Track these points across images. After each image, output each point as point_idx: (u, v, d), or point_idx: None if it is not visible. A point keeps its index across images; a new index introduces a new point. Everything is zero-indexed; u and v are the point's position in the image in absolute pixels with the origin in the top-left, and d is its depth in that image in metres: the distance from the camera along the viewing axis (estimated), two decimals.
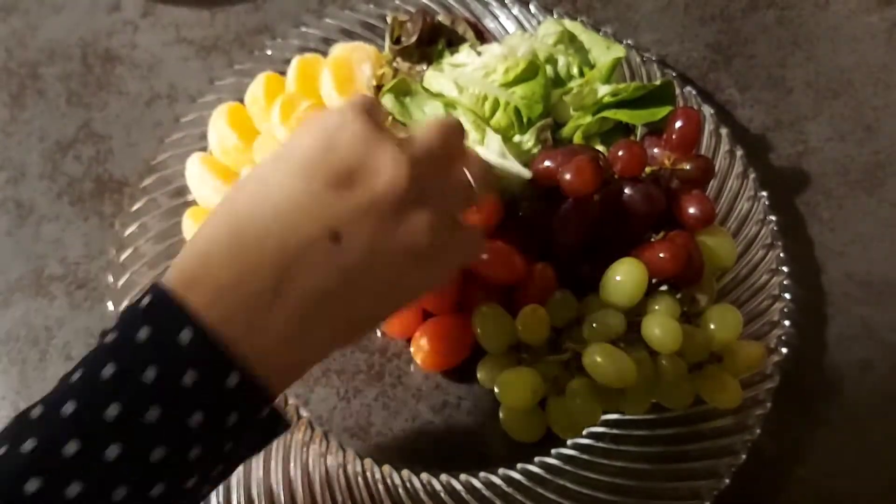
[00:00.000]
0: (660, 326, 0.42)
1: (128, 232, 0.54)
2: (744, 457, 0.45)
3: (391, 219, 0.33)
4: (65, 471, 0.27)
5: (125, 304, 0.31)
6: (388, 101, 0.55)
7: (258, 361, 0.30)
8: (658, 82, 0.53)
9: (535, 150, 0.52)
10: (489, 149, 0.52)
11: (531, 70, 0.52)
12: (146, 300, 0.30)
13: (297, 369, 0.33)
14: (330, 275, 0.32)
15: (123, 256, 0.53)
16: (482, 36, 0.59)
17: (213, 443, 0.29)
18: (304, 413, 0.49)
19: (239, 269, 0.30)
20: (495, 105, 0.52)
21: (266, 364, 0.30)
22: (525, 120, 0.52)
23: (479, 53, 0.55)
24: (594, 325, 0.43)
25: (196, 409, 0.28)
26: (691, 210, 0.47)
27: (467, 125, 0.52)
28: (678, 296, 0.46)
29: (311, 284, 0.31)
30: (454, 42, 0.57)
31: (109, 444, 0.27)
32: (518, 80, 0.52)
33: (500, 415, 0.47)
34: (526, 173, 0.50)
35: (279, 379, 0.32)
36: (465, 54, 0.55)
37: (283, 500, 0.45)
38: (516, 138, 0.52)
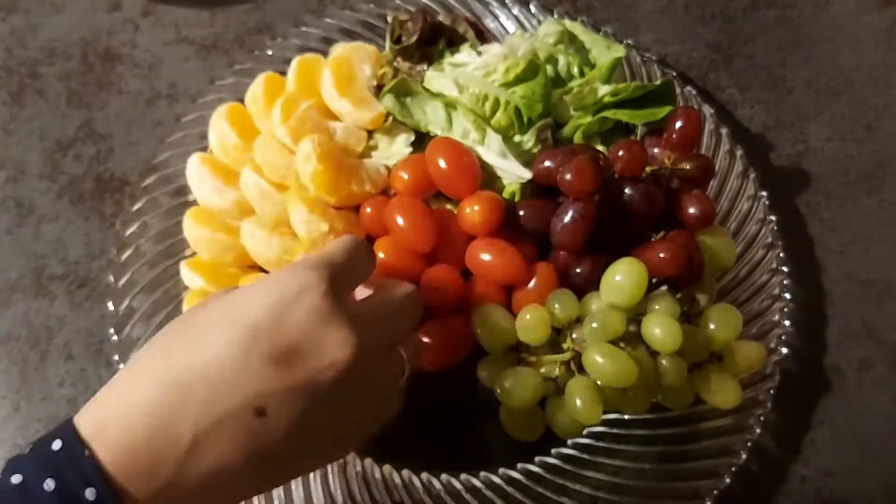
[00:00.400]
0: (660, 326, 0.42)
1: (128, 231, 0.54)
2: (744, 457, 0.45)
3: (322, 404, 0.33)
4: None
5: (39, 438, 0.31)
6: (388, 101, 0.55)
7: None
8: (658, 82, 0.53)
9: (535, 150, 0.52)
10: (489, 149, 0.52)
11: (531, 70, 0.52)
12: (56, 444, 0.29)
13: None
14: (245, 449, 0.31)
15: (124, 256, 0.53)
16: (483, 36, 0.59)
17: None
18: None
19: (156, 425, 0.30)
20: (495, 105, 0.52)
21: None
22: (525, 120, 0.52)
23: (479, 53, 0.55)
24: (594, 325, 0.43)
25: None
26: (691, 210, 0.47)
27: (468, 125, 0.52)
28: (678, 296, 0.46)
29: (225, 455, 0.31)
30: (455, 42, 0.57)
31: None
32: (518, 80, 0.52)
33: (500, 415, 0.46)
34: (526, 173, 0.50)
35: None
36: (465, 54, 0.55)
37: (283, 500, 0.45)
38: (516, 138, 0.52)
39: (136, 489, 0.29)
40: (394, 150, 0.54)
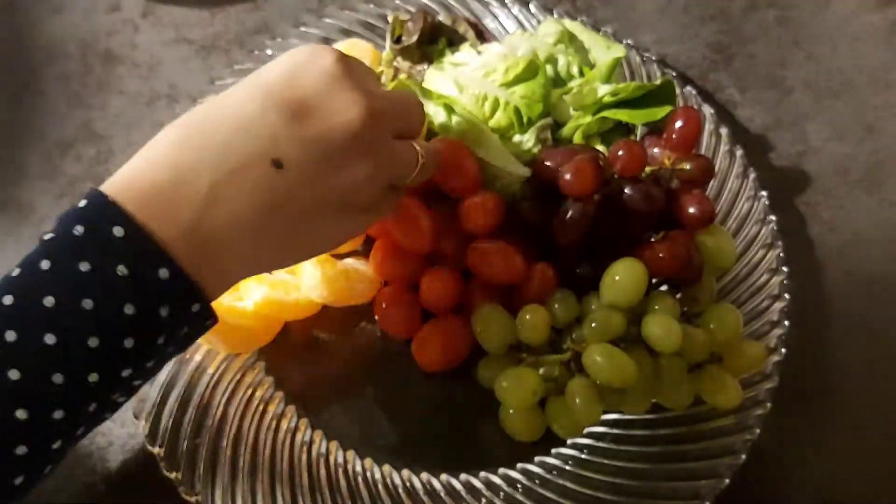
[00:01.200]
0: (660, 326, 0.42)
1: None
2: (744, 457, 0.45)
3: (335, 159, 0.35)
4: (4, 357, 0.28)
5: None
6: None
7: (188, 260, 0.31)
8: (658, 82, 0.53)
9: (535, 150, 0.52)
10: (488, 148, 0.52)
11: (531, 70, 0.52)
12: (82, 203, 0.32)
13: (227, 276, 0.35)
14: (264, 196, 0.33)
15: None
16: (483, 36, 0.59)
17: (145, 334, 0.31)
18: (304, 414, 0.49)
19: (176, 174, 0.32)
20: (495, 105, 0.52)
21: (195, 264, 0.31)
22: (525, 120, 0.52)
23: (479, 53, 0.55)
24: (594, 325, 0.43)
25: (128, 300, 0.30)
26: (691, 210, 0.47)
27: (466, 126, 0.52)
28: (678, 296, 0.46)
29: (244, 200, 0.32)
30: (455, 42, 0.57)
31: (46, 332, 0.29)
32: (518, 80, 0.52)
33: (500, 415, 0.47)
34: (525, 172, 0.50)
35: (210, 281, 0.33)
36: (465, 53, 0.55)
37: (283, 500, 0.45)
38: (516, 138, 0.52)
39: (160, 230, 0.31)
40: None
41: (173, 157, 0.32)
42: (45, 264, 0.30)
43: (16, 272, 0.31)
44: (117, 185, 0.32)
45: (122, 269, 0.30)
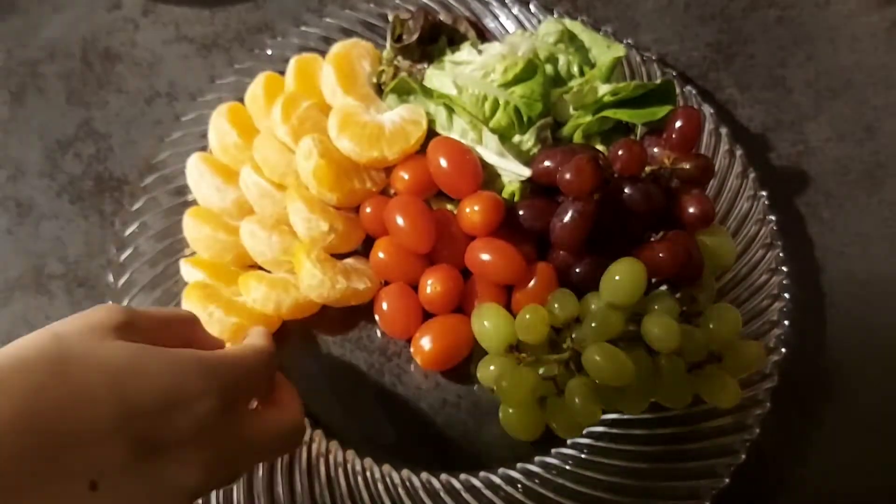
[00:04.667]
0: (659, 326, 0.42)
1: (128, 231, 0.54)
2: (743, 456, 0.45)
3: (160, 498, 0.31)
4: None
5: None
6: (391, 100, 0.55)
7: None
8: (658, 81, 0.53)
9: (535, 150, 0.52)
10: (487, 148, 0.52)
11: (530, 69, 0.52)
12: None
13: None
14: None
15: (123, 255, 0.53)
16: (483, 35, 0.59)
17: None
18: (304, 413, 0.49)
19: None
20: (495, 105, 0.52)
21: None
22: (525, 119, 0.52)
23: (479, 52, 0.55)
24: (594, 324, 0.43)
25: None
26: (691, 210, 0.47)
27: (465, 125, 0.52)
28: (678, 295, 0.46)
29: None
30: (456, 40, 0.57)
31: None
32: (517, 80, 0.52)
33: (500, 415, 0.46)
34: (525, 171, 0.50)
35: None
36: (465, 52, 0.55)
37: (283, 500, 0.45)
38: (516, 138, 0.52)
39: None
40: None
41: (7, 433, 0.27)
42: None
43: None
44: None
45: None
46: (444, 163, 0.50)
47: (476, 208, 0.48)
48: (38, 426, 0.28)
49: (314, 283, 0.49)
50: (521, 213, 0.49)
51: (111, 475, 0.30)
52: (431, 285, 0.49)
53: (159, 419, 0.31)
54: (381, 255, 0.51)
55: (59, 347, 0.31)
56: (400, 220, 0.49)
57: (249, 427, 0.36)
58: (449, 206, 0.53)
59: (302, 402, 0.41)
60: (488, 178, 0.52)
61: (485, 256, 0.48)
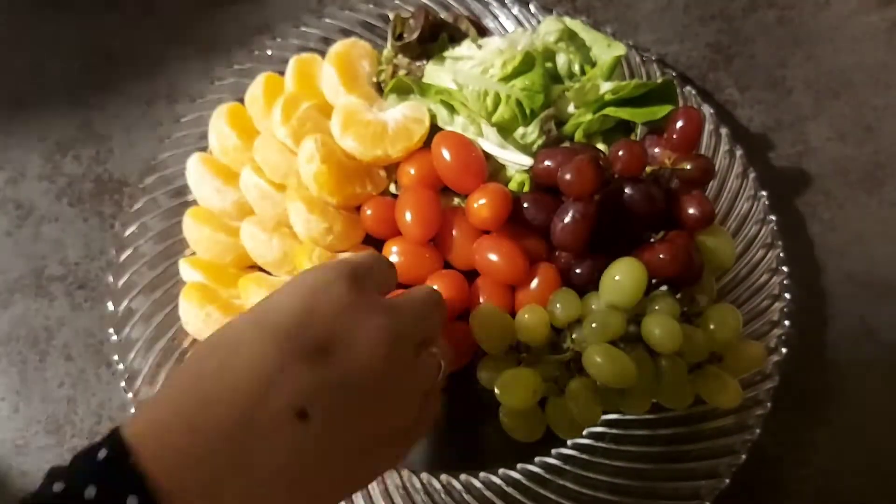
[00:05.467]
0: (660, 326, 0.42)
1: (128, 232, 0.54)
2: (744, 457, 0.45)
3: (364, 403, 0.32)
4: None
5: (81, 449, 0.30)
6: (392, 100, 0.56)
7: None
8: (659, 81, 0.53)
9: (539, 142, 0.52)
10: (488, 140, 0.52)
11: (528, 62, 0.52)
12: (102, 453, 0.28)
13: None
14: (290, 455, 0.30)
15: (123, 256, 0.53)
16: (485, 34, 0.59)
17: None
18: None
19: (198, 441, 0.29)
20: (497, 100, 0.52)
21: None
22: (528, 111, 0.51)
23: (479, 47, 0.55)
24: (594, 325, 0.43)
25: None
26: (691, 210, 0.47)
27: (465, 120, 0.52)
28: (678, 296, 0.46)
29: (270, 464, 0.30)
30: (456, 39, 0.57)
31: None
32: (516, 73, 0.51)
33: (500, 415, 0.46)
34: (527, 161, 0.50)
35: None
36: (465, 47, 0.55)
37: None
38: (519, 131, 0.52)
39: (180, 501, 0.28)
40: None
41: (191, 414, 0.30)
42: None
43: None
44: (139, 439, 0.29)
45: None
46: (448, 156, 0.50)
47: (483, 202, 0.48)
48: (210, 395, 0.30)
49: None
50: (525, 205, 0.49)
51: (308, 395, 0.30)
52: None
53: (307, 321, 0.32)
54: (391, 258, 0.50)
55: (211, 335, 0.33)
56: (407, 211, 0.49)
57: (394, 300, 0.37)
58: (456, 201, 0.53)
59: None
60: (492, 170, 0.52)
61: (489, 255, 0.48)
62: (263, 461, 0.29)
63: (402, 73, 0.56)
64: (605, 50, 0.55)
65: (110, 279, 0.52)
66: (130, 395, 0.48)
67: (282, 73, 0.58)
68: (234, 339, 0.32)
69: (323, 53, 0.59)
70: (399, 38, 0.57)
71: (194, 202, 0.55)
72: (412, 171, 0.52)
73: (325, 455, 0.31)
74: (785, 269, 0.52)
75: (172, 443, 0.29)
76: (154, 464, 0.28)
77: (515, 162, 0.52)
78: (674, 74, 0.60)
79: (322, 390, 0.31)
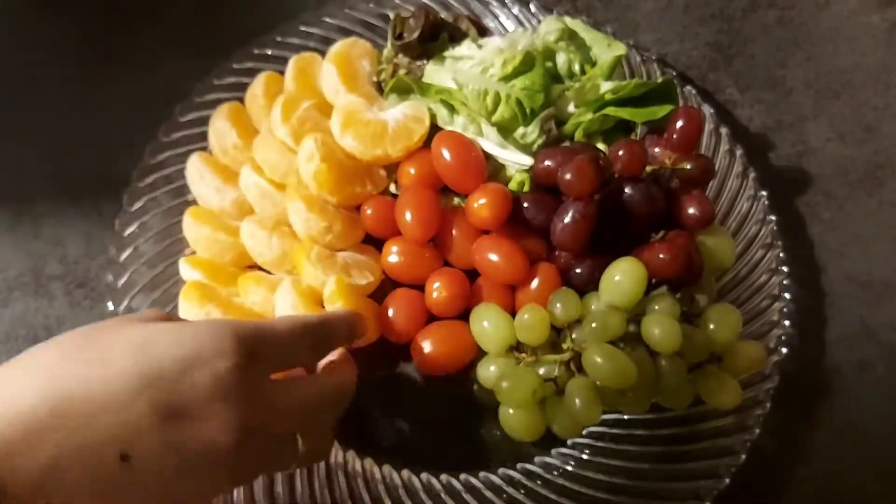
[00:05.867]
0: (660, 326, 0.42)
1: (128, 231, 0.54)
2: (744, 457, 0.45)
3: (191, 471, 0.32)
4: None
5: None
6: (393, 99, 0.56)
7: None
8: (659, 80, 0.53)
9: (539, 141, 0.52)
10: (488, 139, 0.52)
11: (528, 61, 0.52)
12: None
13: None
14: (101, 486, 0.29)
15: (123, 256, 0.53)
16: (485, 33, 0.59)
17: None
18: None
19: (26, 431, 0.28)
20: (497, 99, 0.52)
21: None
22: (528, 111, 0.51)
23: (479, 46, 0.55)
24: (594, 325, 0.43)
25: None
26: (691, 210, 0.47)
27: (465, 119, 0.52)
28: (678, 296, 0.46)
29: (82, 483, 0.29)
30: (456, 38, 0.57)
31: None
32: (516, 73, 0.51)
33: (500, 415, 0.46)
34: (527, 160, 0.50)
35: None
36: (465, 47, 0.55)
37: (284, 500, 0.45)
38: (519, 131, 0.52)
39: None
40: None
41: (30, 407, 0.29)
42: None
43: None
44: None
45: None
46: (448, 156, 0.50)
47: (483, 201, 0.48)
48: (63, 391, 0.29)
49: (315, 283, 0.49)
50: (525, 205, 0.49)
51: (140, 444, 0.30)
52: (438, 290, 0.49)
53: (180, 379, 0.31)
54: (391, 257, 0.51)
55: (90, 327, 0.33)
56: (407, 210, 0.49)
57: (279, 391, 0.36)
58: (456, 201, 0.53)
59: (353, 368, 0.42)
60: (492, 170, 0.52)
61: (488, 255, 0.48)
62: (73, 480, 0.29)
63: (402, 72, 0.56)
64: (606, 50, 0.55)
65: (110, 278, 0.52)
66: None
67: (282, 73, 0.58)
68: (107, 355, 0.31)
69: (323, 53, 0.59)
70: (399, 37, 0.57)
71: (194, 201, 0.55)
72: (412, 171, 0.52)
73: (134, 495, 0.31)
74: (785, 269, 0.52)
75: (2, 429, 0.28)
76: None
77: (515, 162, 0.52)
78: (674, 74, 0.60)
79: (155, 444, 0.30)
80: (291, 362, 0.39)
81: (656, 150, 0.49)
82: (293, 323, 0.38)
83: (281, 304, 0.48)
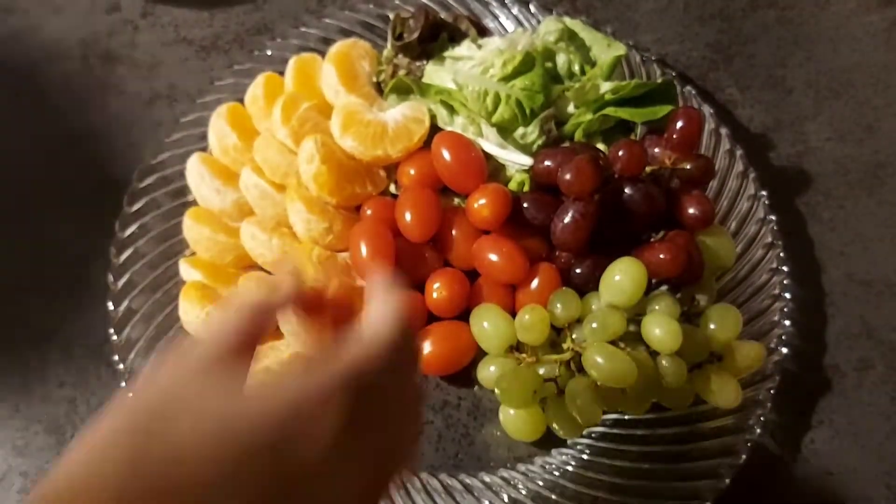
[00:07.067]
0: (660, 326, 0.42)
1: (128, 232, 0.54)
2: (744, 457, 0.45)
3: None
4: None
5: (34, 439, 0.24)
6: (392, 100, 0.56)
7: None
8: (659, 80, 0.53)
9: (539, 141, 0.52)
10: (488, 140, 0.52)
11: (528, 62, 0.52)
12: None
13: None
14: None
15: (124, 257, 0.53)
16: (485, 33, 0.59)
17: None
18: None
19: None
20: (497, 99, 0.52)
21: None
22: (528, 111, 0.51)
23: (479, 47, 0.55)
24: (594, 325, 0.43)
25: None
26: (691, 210, 0.47)
27: (465, 120, 0.52)
28: (678, 296, 0.46)
29: None
30: (456, 39, 0.57)
31: None
32: (516, 73, 0.52)
33: (501, 415, 0.46)
34: (527, 160, 0.50)
35: None
36: (465, 47, 0.55)
37: None
38: (519, 131, 0.52)
39: None
40: None
41: (108, 485, 0.23)
42: None
43: None
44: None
45: None
46: (448, 157, 0.50)
47: (483, 202, 0.48)
48: (150, 477, 0.23)
49: (316, 284, 0.49)
50: (525, 205, 0.49)
51: None
52: (438, 290, 0.49)
53: (282, 449, 0.24)
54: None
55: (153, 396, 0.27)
56: (407, 211, 0.49)
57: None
58: (456, 201, 0.53)
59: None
60: (492, 170, 0.52)
61: (488, 256, 0.48)
62: None
63: (402, 73, 0.56)
64: (605, 50, 0.55)
65: (110, 279, 0.52)
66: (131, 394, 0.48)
67: (282, 73, 0.58)
68: (185, 439, 0.24)
69: (323, 53, 0.59)
70: (399, 38, 0.57)
71: (194, 202, 0.55)
72: (412, 171, 0.52)
73: None
74: (785, 269, 0.52)
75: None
76: None
77: (515, 162, 0.52)
78: (674, 74, 0.60)
79: None
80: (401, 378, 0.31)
81: (656, 150, 0.49)
82: (391, 336, 0.29)
83: None
